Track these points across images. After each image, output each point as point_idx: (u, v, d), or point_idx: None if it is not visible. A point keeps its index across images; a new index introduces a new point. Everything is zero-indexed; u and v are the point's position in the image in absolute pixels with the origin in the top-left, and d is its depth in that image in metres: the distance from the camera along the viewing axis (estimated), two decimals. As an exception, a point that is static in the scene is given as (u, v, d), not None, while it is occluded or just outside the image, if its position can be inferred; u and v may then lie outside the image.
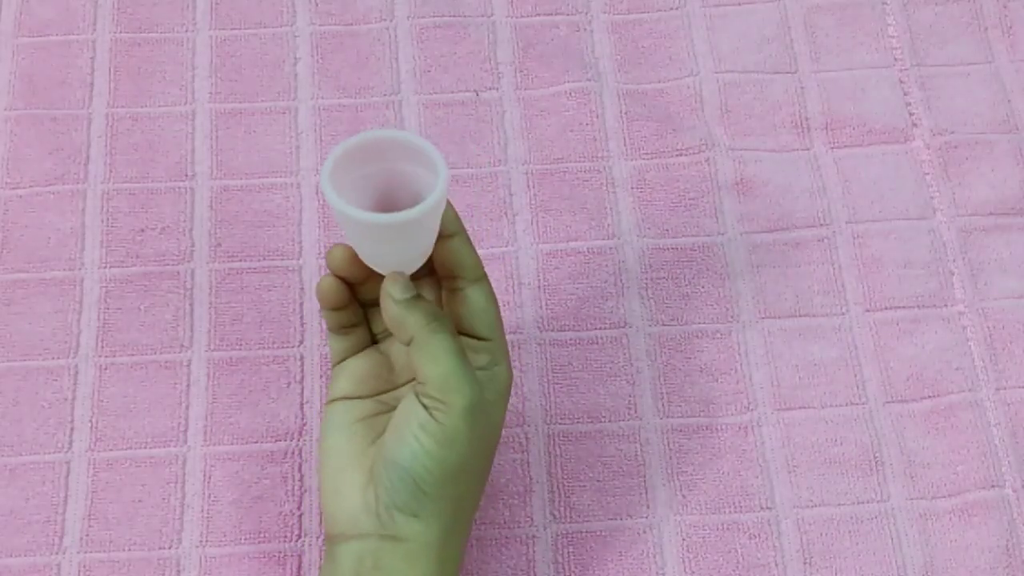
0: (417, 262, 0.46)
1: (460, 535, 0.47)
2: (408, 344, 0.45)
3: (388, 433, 0.46)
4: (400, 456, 0.44)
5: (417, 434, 0.44)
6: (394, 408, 0.48)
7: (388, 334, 0.50)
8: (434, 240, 0.46)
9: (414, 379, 0.48)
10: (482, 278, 0.48)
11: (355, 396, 0.48)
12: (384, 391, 0.49)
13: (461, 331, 0.48)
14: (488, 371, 0.47)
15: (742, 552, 0.53)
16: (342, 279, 0.48)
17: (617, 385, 0.56)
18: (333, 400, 0.49)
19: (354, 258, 0.47)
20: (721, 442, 0.55)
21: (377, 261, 0.46)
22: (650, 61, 0.64)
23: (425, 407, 0.44)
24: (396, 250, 0.45)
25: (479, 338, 0.48)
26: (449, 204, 0.46)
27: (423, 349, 0.45)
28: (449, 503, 0.45)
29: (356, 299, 0.49)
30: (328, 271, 0.48)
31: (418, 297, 0.46)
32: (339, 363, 0.50)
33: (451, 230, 0.47)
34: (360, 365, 0.49)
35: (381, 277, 0.48)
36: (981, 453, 0.55)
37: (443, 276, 0.48)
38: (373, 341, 0.50)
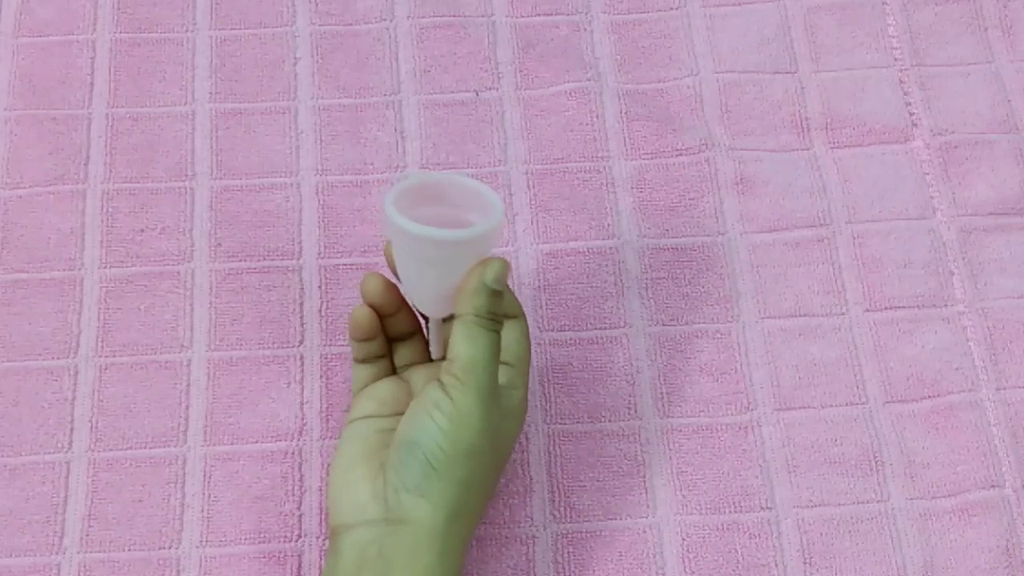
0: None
1: (463, 529, 0.47)
2: (456, 319, 0.47)
3: (404, 418, 0.47)
4: (414, 433, 0.46)
5: (432, 412, 0.46)
6: None
7: (409, 366, 0.52)
8: None
9: None
10: (519, 316, 0.51)
11: (376, 415, 0.50)
12: (404, 411, 0.50)
13: None
14: (504, 388, 0.49)
15: (742, 552, 0.53)
16: (374, 311, 0.50)
17: (617, 385, 0.56)
18: (354, 420, 0.50)
19: (388, 287, 0.50)
20: (721, 442, 0.55)
21: (419, 288, 0.48)
22: (650, 61, 0.64)
23: (442, 386, 0.46)
24: (441, 276, 0.47)
25: (503, 363, 0.50)
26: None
27: (467, 329, 0.46)
28: (455, 487, 0.46)
29: (385, 333, 0.52)
30: (361, 301, 0.50)
31: (500, 294, 0.47)
32: (361, 389, 0.52)
33: None
34: (382, 388, 0.51)
35: (411, 310, 0.51)
36: (981, 453, 0.55)
37: None
38: (393, 371, 0.53)
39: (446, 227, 0.46)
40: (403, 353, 0.52)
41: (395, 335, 0.52)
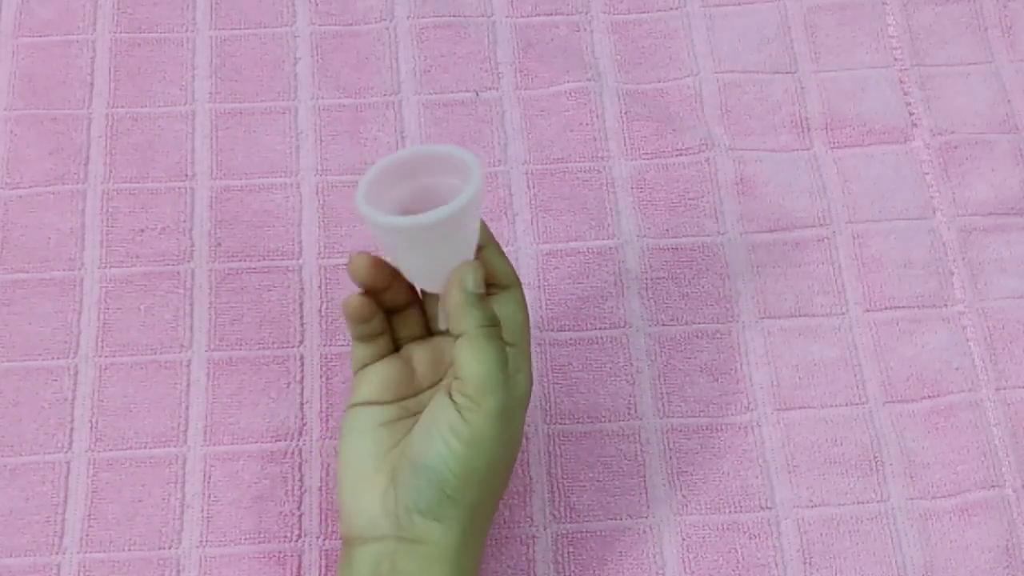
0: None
1: (477, 541, 0.47)
2: (458, 336, 0.45)
3: (415, 434, 0.46)
4: (427, 458, 0.44)
5: (446, 436, 0.44)
6: (416, 413, 0.48)
7: (410, 339, 0.50)
8: (474, 248, 0.47)
9: (438, 382, 0.48)
10: (514, 285, 0.48)
11: (378, 401, 0.49)
12: (406, 396, 0.49)
13: None
14: (510, 378, 0.47)
15: (742, 552, 0.53)
16: (367, 291, 0.48)
17: (617, 385, 0.56)
18: (355, 405, 0.49)
19: (378, 264, 0.48)
20: (721, 442, 0.55)
21: (423, 272, 0.47)
22: (650, 61, 0.64)
23: (456, 407, 0.44)
24: (436, 256, 0.45)
25: (506, 344, 0.48)
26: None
27: (473, 346, 0.44)
28: (470, 508, 0.45)
29: (380, 307, 0.49)
30: (354, 288, 0.48)
31: (484, 295, 0.46)
32: (361, 369, 0.50)
33: (480, 242, 0.48)
34: (383, 370, 0.49)
35: (405, 282, 0.49)
36: (981, 453, 0.55)
37: None
38: (395, 347, 0.51)
39: (425, 201, 0.45)
40: (401, 324, 0.50)
41: (391, 307, 0.50)
